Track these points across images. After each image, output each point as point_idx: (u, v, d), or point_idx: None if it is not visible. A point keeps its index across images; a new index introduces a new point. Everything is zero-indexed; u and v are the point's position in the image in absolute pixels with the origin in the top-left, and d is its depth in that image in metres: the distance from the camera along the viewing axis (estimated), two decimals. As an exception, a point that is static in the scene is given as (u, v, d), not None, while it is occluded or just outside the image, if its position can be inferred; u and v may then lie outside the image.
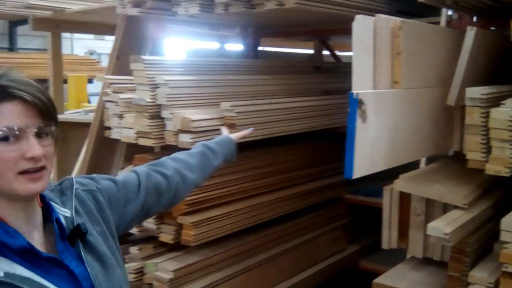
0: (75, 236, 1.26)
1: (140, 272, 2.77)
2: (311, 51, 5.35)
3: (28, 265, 1.14)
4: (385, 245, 2.48)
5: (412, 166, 2.43)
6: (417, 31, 2.09)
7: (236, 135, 2.19)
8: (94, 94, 7.24)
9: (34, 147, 1.13)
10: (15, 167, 1.12)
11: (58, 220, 1.25)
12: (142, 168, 1.65)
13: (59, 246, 1.23)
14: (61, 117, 4.51)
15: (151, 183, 1.61)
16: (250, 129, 2.39)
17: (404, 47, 1.94)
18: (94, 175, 1.50)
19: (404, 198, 2.38)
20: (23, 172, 1.13)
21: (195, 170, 1.80)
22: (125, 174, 1.61)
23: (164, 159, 1.76)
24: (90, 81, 7.82)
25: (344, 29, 3.43)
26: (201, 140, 2.19)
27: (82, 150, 3.54)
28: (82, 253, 1.25)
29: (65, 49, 6.12)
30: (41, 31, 4.77)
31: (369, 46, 1.85)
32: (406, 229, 2.41)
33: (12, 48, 10.51)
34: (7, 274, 1.09)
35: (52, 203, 1.28)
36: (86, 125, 3.55)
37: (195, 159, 1.83)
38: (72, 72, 7.25)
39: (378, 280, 2.38)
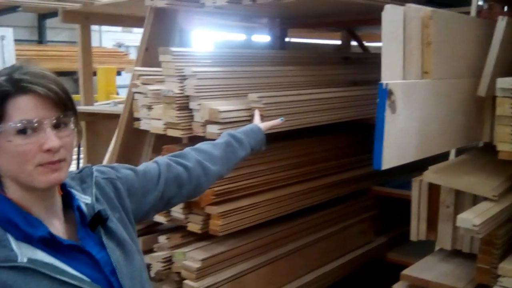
0: (96, 222, 1.29)
1: (169, 261, 2.80)
2: (339, 42, 5.31)
3: (50, 252, 1.17)
4: (413, 237, 2.46)
5: (441, 157, 2.41)
6: (448, 21, 2.07)
7: (265, 125, 2.19)
8: (122, 86, 7.33)
9: (51, 139, 1.14)
10: (34, 159, 1.14)
11: (79, 208, 1.28)
12: (163, 159, 1.67)
13: (80, 233, 1.26)
14: (90, 108, 4.59)
15: (172, 174, 1.62)
16: (281, 119, 2.39)
17: (435, 37, 1.92)
18: (115, 164, 1.53)
19: (433, 190, 2.36)
20: (41, 165, 1.15)
21: (218, 162, 1.80)
22: (146, 164, 1.63)
23: (187, 150, 1.77)
24: (118, 73, 7.90)
25: (372, 19, 3.42)
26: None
27: (112, 141, 3.59)
28: (103, 239, 1.28)
29: (94, 42, 6.18)
30: (70, 23, 4.82)
31: (399, 36, 1.84)
32: (435, 221, 2.39)
33: (41, 41, 10.65)
34: (30, 260, 1.13)
35: (72, 190, 1.31)
36: (115, 116, 3.58)
37: (219, 150, 1.84)
38: (101, 64, 7.32)
39: (406, 272, 2.37)
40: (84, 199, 1.32)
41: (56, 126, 1.16)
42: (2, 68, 1.20)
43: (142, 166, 1.60)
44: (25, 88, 1.13)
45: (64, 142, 1.17)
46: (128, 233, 1.37)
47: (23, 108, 1.13)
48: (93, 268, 1.23)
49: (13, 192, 1.19)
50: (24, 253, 1.13)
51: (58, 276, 1.14)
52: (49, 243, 1.18)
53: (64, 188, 1.29)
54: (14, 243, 1.13)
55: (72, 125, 1.21)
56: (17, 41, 8.16)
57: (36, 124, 1.13)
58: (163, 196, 1.59)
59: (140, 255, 1.40)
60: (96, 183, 1.38)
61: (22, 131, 1.13)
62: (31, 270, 1.12)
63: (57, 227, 1.24)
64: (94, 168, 1.44)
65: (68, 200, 1.30)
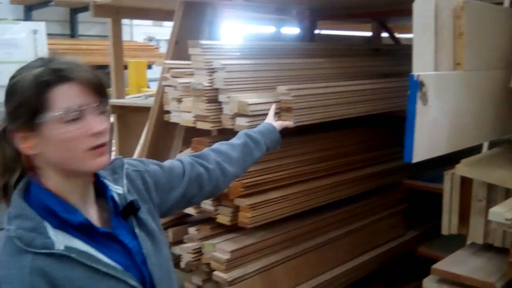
0: (128, 212, 1.32)
1: (199, 252, 2.83)
2: (369, 34, 5.26)
3: (85, 240, 1.21)
4: (445, 231, 2.44)
5: (474, 150, 2.37)
6: (480, 12, 2.03)
7: (279, 124, 2.19)
8: (153, 80, 7.37)
9: (96, 123, 1.19)
10: (82, 145, 1.18)
11: (112, 197, 1.31)
12: (187, 158, 1.71)
13: (114, 222, 1.30)
14: (122, 101, 4.63)
15: (194, 174, 1.66)
16: (294, 122, 2.40)
17: (467, 28, 1.89)
18: (143, 159, 1.58)
19: (466, 183, 2.32)
20: (89, 149, 1.18)
21: (236, 164, 1.84)
22: (170, 161, 1.67)
23: (206, 151, 1.81)
24: (149, 66, 7.96)
25: (403, 10, 3.37)
26: (257, 124, 2.20)
27: (143, 133, 3.63)
28: (135, 228, 1.31)
29: (125, 36, 6.23)
30: (101, 17, 4.87)
31: (431, 27, 1.81)
32: (466, 215, 2.36)
33: (73, 35, 10.79)
34: (67, 248, 1.16)
35: (105, 180, 1.34)
36: (146, 109, 3.62)
37: (237, 152, 1.86)
38: (132, 58, 7.38)
39: (437, 266, 2.35)
40: (116, 189, 1.35)
41: (97, 112, 1.20)
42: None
43: (167, 163, 1.63)
44: (65, 77, 1.17)
45: (105, 127, 1.21)
46: (156, 224, 1.41)
47: (65, 96, 1.16)
48: (125, 257, 1.27)
49: (52, 181, 1.22)
50: (61, 240, 1.17)
51: (93, 265, 1.18)
52: (85, 231, 1.21)
53: (96, 178, 1.32)
54: (51, 231, 1.17)
55: (107, 112, 1.25)
56: (50, 35, 8.28)
57: (79, 111, 1.17)
58: (185, 195, 1.63)
59: (167, 246, 1.43)
60: (127, 175, 1.41)
61: (67, 119, 1.16)
62: (67, 257, 1.15)
63: (92, 216, 1.28)
64: (124, 160, 1.47)
65: (100, 190, 1.33)
